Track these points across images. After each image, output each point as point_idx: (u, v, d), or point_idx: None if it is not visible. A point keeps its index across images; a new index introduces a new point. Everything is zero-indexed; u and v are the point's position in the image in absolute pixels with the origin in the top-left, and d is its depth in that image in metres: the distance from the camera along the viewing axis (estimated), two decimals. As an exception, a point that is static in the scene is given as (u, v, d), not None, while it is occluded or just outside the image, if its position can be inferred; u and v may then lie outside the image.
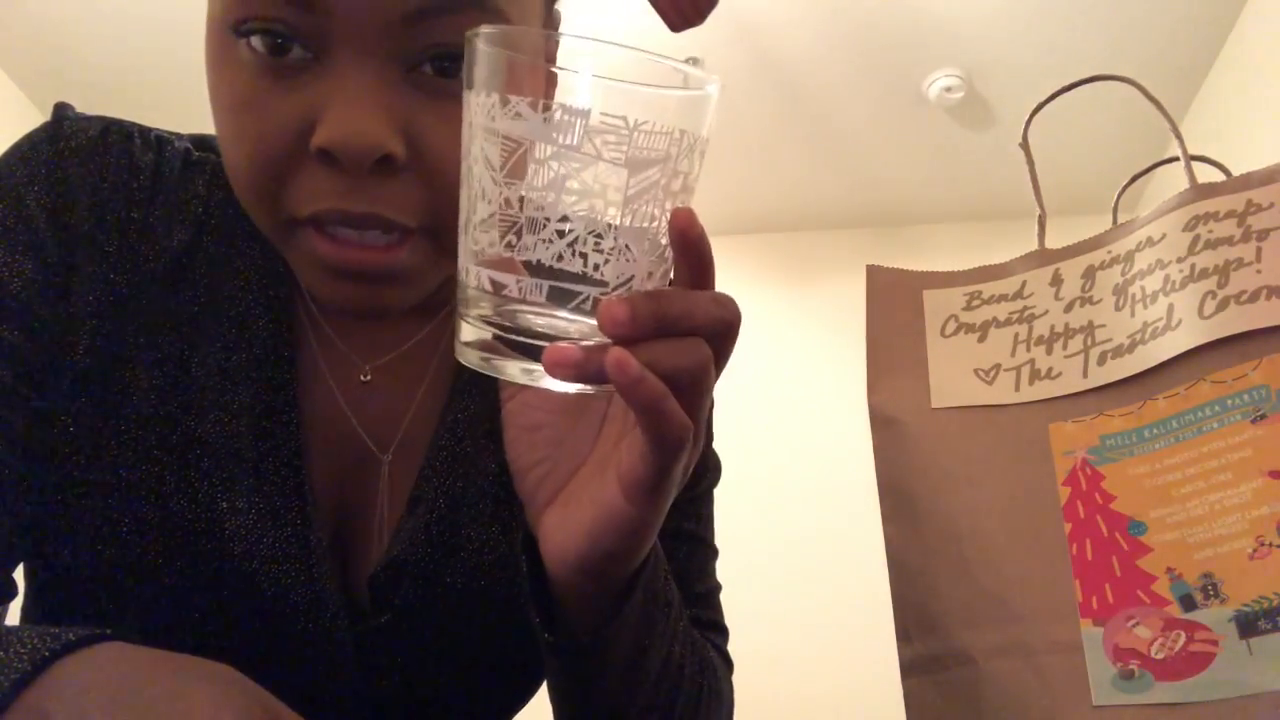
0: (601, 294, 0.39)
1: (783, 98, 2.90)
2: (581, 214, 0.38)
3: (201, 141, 0.63)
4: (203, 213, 0.60)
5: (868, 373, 0.68)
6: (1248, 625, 0.51)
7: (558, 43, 0.41)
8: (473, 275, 0.40)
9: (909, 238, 3.40)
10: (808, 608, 2.86)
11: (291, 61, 0.47)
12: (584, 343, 0.39)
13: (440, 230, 0.51)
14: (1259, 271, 0.57)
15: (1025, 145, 0.73)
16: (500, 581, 0.60)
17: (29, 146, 0.58)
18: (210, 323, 0.58)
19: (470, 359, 0.41)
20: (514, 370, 0.41)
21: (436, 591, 0.59)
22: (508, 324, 0.40)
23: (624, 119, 0.38)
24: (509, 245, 0.39)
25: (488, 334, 0.40)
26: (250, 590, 0.55)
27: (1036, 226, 0.71)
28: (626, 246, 0.39)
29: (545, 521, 0.48)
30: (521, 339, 0.40)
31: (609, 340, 0.39)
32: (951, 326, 0.68)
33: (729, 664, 0.68)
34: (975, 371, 0.65)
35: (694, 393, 0.41)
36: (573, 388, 0.40)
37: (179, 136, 0.63)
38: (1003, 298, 0.67)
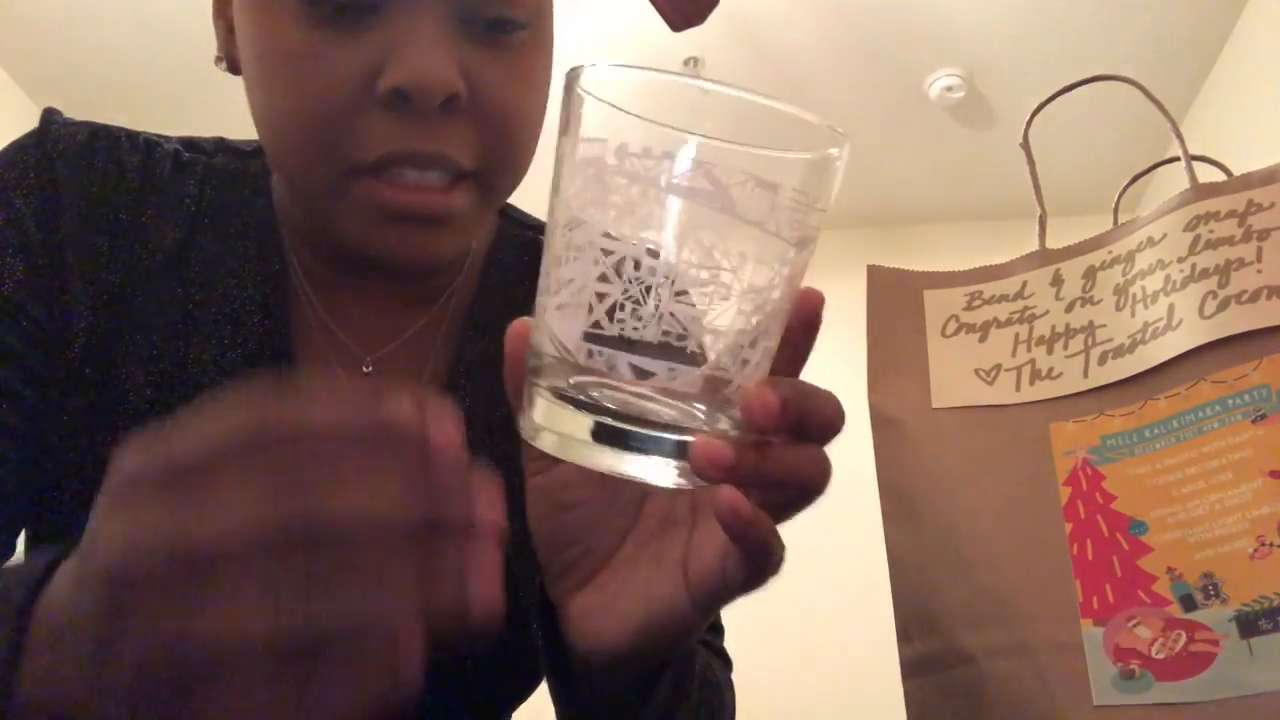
0: (724, 377, 0.34)
1: (783, 98, 2.89)
2: (718, 287, 0.33)
3: (191, 143, 0.64)
4: (196, 211, 0.60)
5: (868, 372, 0.68)
6: (1248, 625, 0.51)
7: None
8: (569, 348, 0.34)
9: (909, 238, 3.39)
10: (808, 607, 2.85)
11: (350, 12, 0.49)
12: (704, 436, 0.34)
13: (489, 175, 0.53)
14: (1260, 271, 0.57)
15: (1026, 145, 0.72)
16: None
17: (16, 151, 0.59)
18: (205, 319, 0.58)
19: (555, 445, 0.35)
20: (626, 465, 0.34)
21: None
22: (612, 406, 0.34)
23: (805, 194, 0.34)
24: (635, 317, 0.33)
25: (585, 417, 0.34)
26: None
27: (1037, 226, 0.71)
28: (763, 331, 0.35)
29: (578, 604, 0.45)
30: (630, 426, 0.34)
31: (726, 431, 0.35)
32: (952, 326, 0.68)
33: (727, 663, 0.68)
34: (976, 371, 0.65)
35: (802, 506, 0.38)
36: (683, 484, 0.35)
37: (168, 139, 0.64)
38: (1003, 298, 0.67)
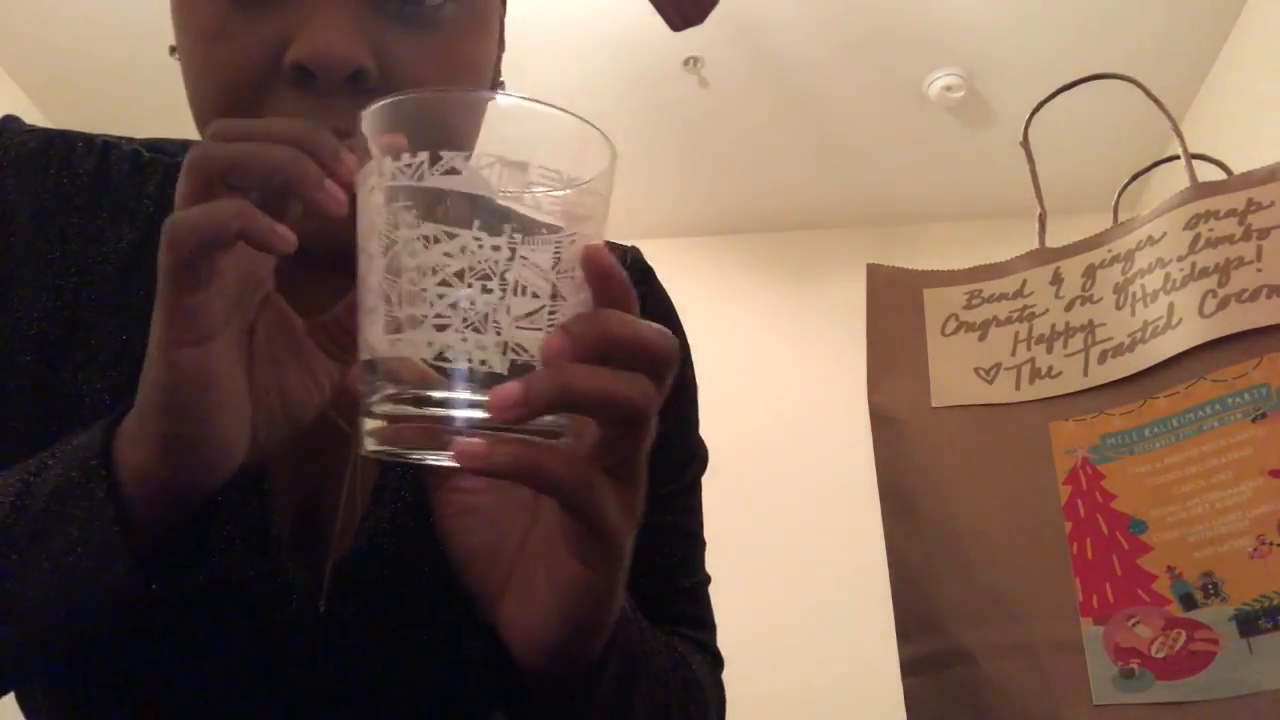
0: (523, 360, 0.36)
1: (783, 97, 2.89)
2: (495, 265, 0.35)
3: (154, 145, 0.64)
4: (154, 211, 0.60)
5: (868, 372, 0.68)
6: (1248, 624, 0.51)
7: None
8: (393, 360, 0.36)
9: (909, 237, 3.39)
10: (808, 607, 2.85)
11: None
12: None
13: None
14: (1259, 270, 0.57)
15: (1026, 144, 0.72)
16: None
17: None
18: None
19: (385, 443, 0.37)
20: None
21: (406, 581, 0.58)
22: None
23: (556, 170, 0.37)
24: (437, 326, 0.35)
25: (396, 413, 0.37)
26: (211, 584, 0.55)
27: (1037, 225, 0.71)
28: (553, 309, 0.36)
29: (504, 609, 0.45)
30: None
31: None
32: (952, 325, 0.68)
33: (718, 661, 0.68)
34: (975, 370, 0.65)
35: (631, 436, 0.38)
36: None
37: (129, 140, 0.63)
38: (1003, 296, 0.67)
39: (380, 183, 0.37)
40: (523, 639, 0.44)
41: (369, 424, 0.38)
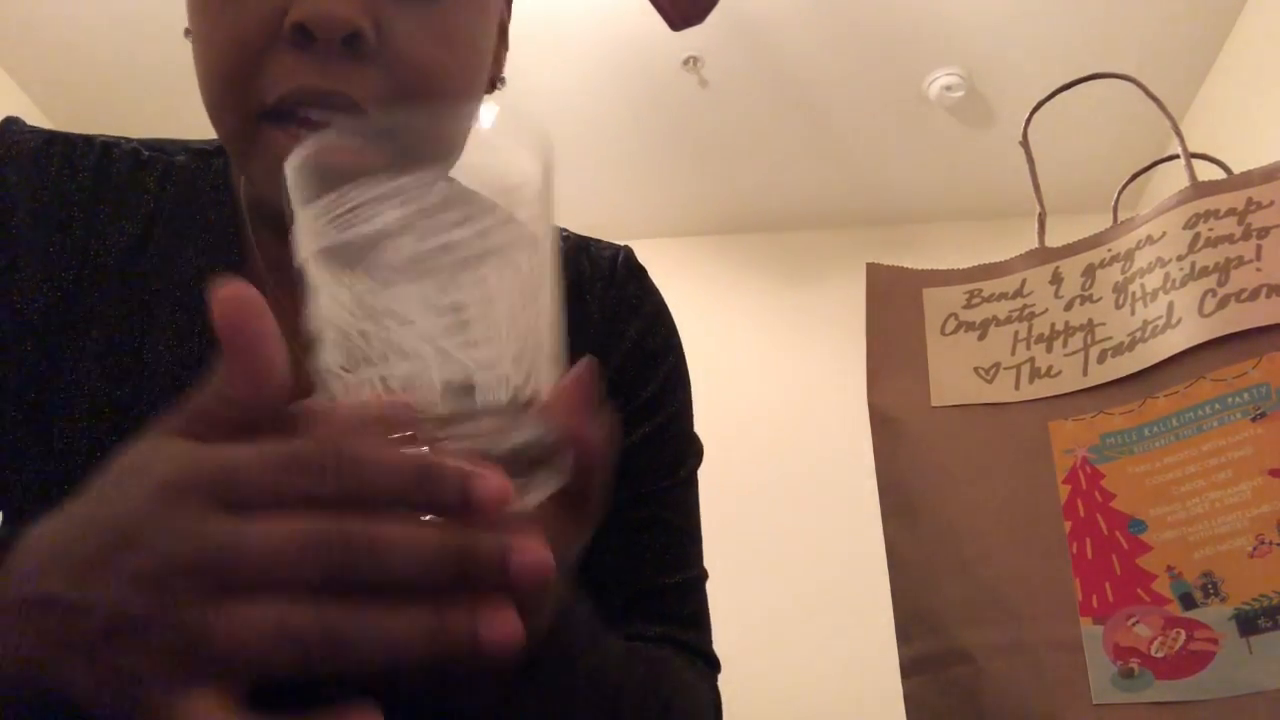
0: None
1: (783, 97, 2.89)
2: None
3: (153, 144, 0.65)
4: (154, 208, 0.61)
5: (867, 371, 0.68)
6: (1248, 623, 0.51)
7: None
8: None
9: (909, 236, 3.39)
10: (808, 607, 2.85)
11: None
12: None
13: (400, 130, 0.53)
14: (1259, 269, 0.57)
15: (1025, 143, 0.72)
16: None
17: None
18: (161, 312, 0.58)
19: None
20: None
21: None
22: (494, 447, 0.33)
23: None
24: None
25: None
26: None
27: (1036, 225, 0.71)
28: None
29: None
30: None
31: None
32: (951, 325, 0.68)
33: (711, 663, 0.67)
34: (975, 370, 0.65)
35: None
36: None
37: (129, 140, 0.64)
38: (1003, 296, 0.67)
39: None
40: None
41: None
